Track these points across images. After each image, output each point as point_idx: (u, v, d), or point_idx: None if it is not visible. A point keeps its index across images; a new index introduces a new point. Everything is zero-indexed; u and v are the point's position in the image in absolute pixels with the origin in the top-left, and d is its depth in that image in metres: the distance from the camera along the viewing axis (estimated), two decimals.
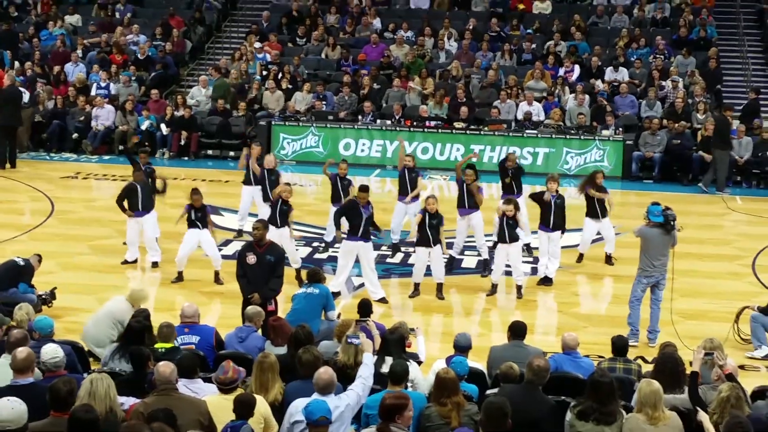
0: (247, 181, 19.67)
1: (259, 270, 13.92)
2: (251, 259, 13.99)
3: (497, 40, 31.93)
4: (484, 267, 18.23)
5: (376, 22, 33.26)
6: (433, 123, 27.59)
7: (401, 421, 8.58)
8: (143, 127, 28.44)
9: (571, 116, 28.04)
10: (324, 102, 29.04)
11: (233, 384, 9.27)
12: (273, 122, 28.21)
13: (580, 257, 19.06)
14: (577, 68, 30.14)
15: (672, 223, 14.38)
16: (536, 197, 17.74)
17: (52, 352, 9.40)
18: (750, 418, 8.76)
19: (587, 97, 28.46)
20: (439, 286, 16.87)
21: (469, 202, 18.05)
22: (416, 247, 16.95)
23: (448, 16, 33.31)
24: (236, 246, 18.13)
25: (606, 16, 33.23)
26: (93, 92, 29.98)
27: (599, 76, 29.89)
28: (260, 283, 13.83)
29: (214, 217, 18.20)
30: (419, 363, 11.29)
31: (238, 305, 14.14)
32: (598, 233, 18.85)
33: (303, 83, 29.75)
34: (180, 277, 17.36)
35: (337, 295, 16.15)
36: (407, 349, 11.33)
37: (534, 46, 31.61)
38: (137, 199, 17.85)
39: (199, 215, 17.19)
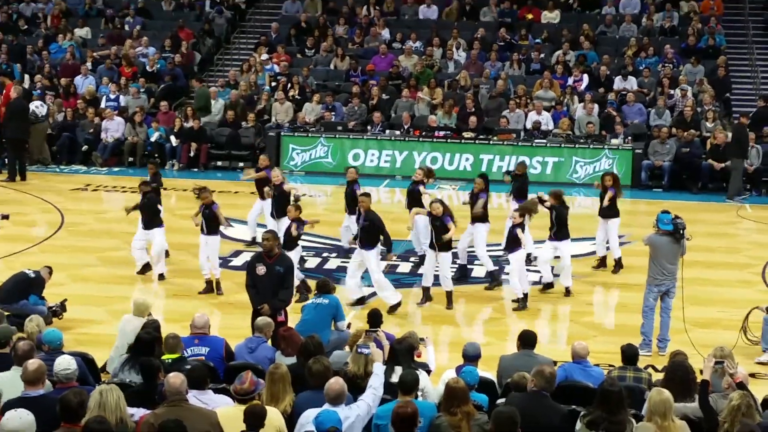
0: (261, 196, 19.72)
1: (268, 281, 13.90)
2: (261, 270, 13.98)
3: (506, 50, 31.96)
4: (492, 279, 18.18)
5: (385, 33, 33.31)
6: (442, 133, 27.63)
7: None
8: (152, 139, 28.51)
9: (580, 125, 28.04)
10: (333, 113, 29.09)
11: (250, 394, 9.25)
12: (282, 133, 28.26)
13: (601, 262, 19.05)
14: (585, 77, 30.15)
15: (681, 231, 14.37)
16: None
17: (65, 363, 9.40)
18: (761, 426, 8.74)
19: (596, 106, 28.46)
20: (448, 295, 16.83)
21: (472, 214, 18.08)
22: (427, 249, 17.02)
23: (456, 26, 33.36)
24: (246, 257, 18.14)
25: (614, 26, 33.24)
26: (102, 104, 30.07)
27: (608, 86, 29.88)
28: (269, 294, 13.81)
29: (223, 229, 18.19)
30: (428, 372, 11.28)
31: (247, 316, 14.13)
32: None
33: (312, 94, 29.81)
34: (209, 288, 17.33)
35: (362, 300, 16.34)
36: (417, 359, 11.32)
37: (543, 55, 31.63)
38: (145, 212, 17.95)
39: (206, 214, 17.15)
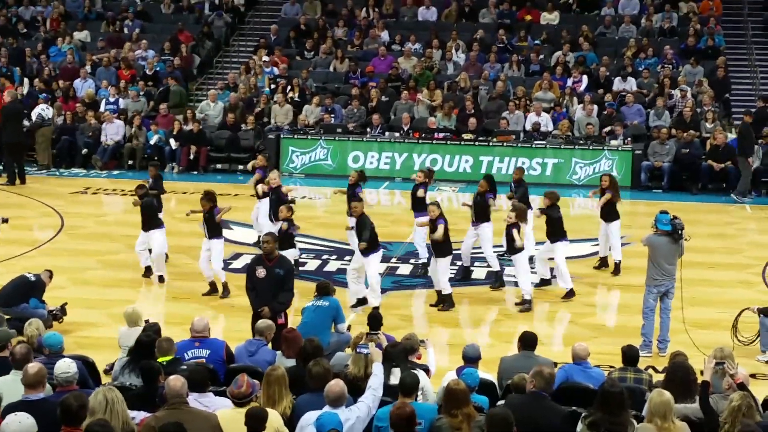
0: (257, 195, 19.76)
1: (268, 283, 13.92)
2: (261, 272, 13.99)
3: (505, 52, 31.97)
4: (495, 279, 18.21)
5: (384, 35, 33.32)
6: (441, 135, 27.64)
7: None
8: (152, 142, 28.52)
9: (579, 126, 28.05)
10: (332, 115, 29.10)
11: (247, 398, 9.26)
12: (282, 135, 28.27)
13: (602, 262, 19.09)
14: (585, 78, 30.16)
15: (680, 232, 14.38)
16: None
17: (65, 367, 9.41)
18: (761, 427, 8.73)
19: (595, 107, 28.48)
20: (438, 294, 16.82)
21: (476, 214, 18.07)
22: (431, 257, 17.08)
23: (455, 28, 33.36)
24: (246, 259, 18.14)
25: (614, 27, 33.26)
26: (102, 108, 30.06)
27: (607, 87, 29.88)
28: (269, 296, 13.83)
29: (225, 232, 18.20)
30: (428, 373, 11.27)
31: (247, 319, 14.15)
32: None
33: (311, 96, 29.82)
34: (213, 289, 17.34)
35: (362, 302, 16.33)
36: (417, 361, 11.33)
37: (542, 56, 31.64)
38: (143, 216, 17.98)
39: (207, 219, 17.14)
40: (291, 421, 9.41)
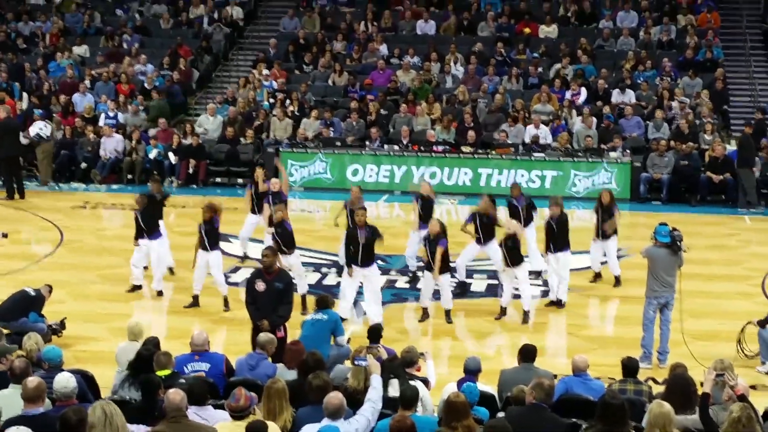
0: (252, 210, 19.73)
1: (267, 297, 13.91)
2: (260, 286, 13.99)
3: (504, 65, 32.01)
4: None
5: (383, 48, 33.36)
6: (440, 148, 27.65)
7: None
8: (151, 156, 28.52)
9: (578, 139, 28.07)
10: (331, 128, 29.13)
11: (245, 411, 9.25)
12: (281, 149, 28.28)
13: (596, 276, 19.07)
14: (584, 91, 30.19)
15: (679, 243, 14.40)
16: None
17: (64, 381, 9.40)
18: None
19: (594, 119, 28.50)
20: (447, 313, 16.87)
21: (484, 236, 18.03)
22: (425, 271, 16.99)
23: (454, 41, 33.38)
24: (245, 273, 18.14)
25: (612, 39, 33.29)
26: (101, 122, 30.07)
27: (606, 99, 29.92)
28: (269, 310, 13.82)
29: (222, 244, 18.20)
30: (427, 385, 11.27)
31: (247, 332, 14.16)
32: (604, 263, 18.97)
33: (310, 110, 29.84)
34: (195, 303, 17.35)
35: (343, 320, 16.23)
36: (417, 373, 11.33)
37: (540, 69, 31.68)
38: (139, 225, 17.93)
39: (207, 231, 17.15)
40: None
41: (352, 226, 16.86)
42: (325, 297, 14.03)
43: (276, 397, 9.63)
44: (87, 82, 31.93)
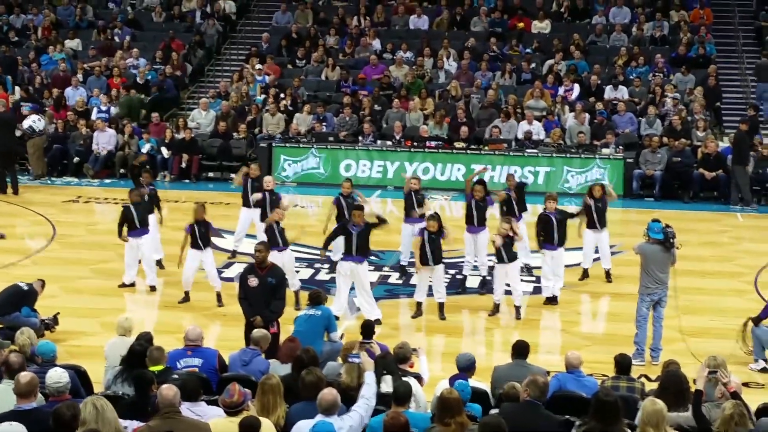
0: (246, 203, 19.72)
1: (260, 292, 13.92)
2: (253, 281, 13.99)
3: (496, 60, 32.01)
4: (483, 285, 18.27)
5: (376, 43, 33.34)
6: (433, 143, 27.64)
7: None
8: (144, 150, 28.47)
9: (571, 135, 28.09)
10: (324, 123, 29.10)
11: (239, 407, 9.24)
12: (273, 144, 28.25)
13: (585, 274, 19.08)
14: (576, 87, 30.19)
15: (671, 240, 14.41)
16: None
17: (56, 376, 9.39)
18: None
19: (587, 115, 28.51)
20: (440, 306, 16.86)
21: (478, 219, 18.09)
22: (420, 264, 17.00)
23: (447, 36, 33.39)
24: (238, 268, 18.12)
25: (605, 35, 33.31)
26: (93, 116, 30.02)
27: (599, 95, 29.92)
28: (262, 305, 13.83)
29: (215, 240, 18.18)
30: (420, 381, 11.26)
31: (240, 328, 14.15)
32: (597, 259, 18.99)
33: (303, 105, 29.81)
34: (186, 298, 17.35)
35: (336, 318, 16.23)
36: (410, 369, 11.32)
37: (533, 65, 31.68)
38: (133, 218, 17.88)
39: (202, 231, 17.15)
40: (284, 430, 9.40)
41: (342, 222, 16.79)
42: (317, 292, 14.03)
43: (270, 392, 9.62)
44: (79, 76, 31.87)
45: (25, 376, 9.17)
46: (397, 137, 27.98)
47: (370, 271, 17.22)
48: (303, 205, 25.28)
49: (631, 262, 16.52)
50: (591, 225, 18.73)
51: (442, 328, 16.50)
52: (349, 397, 9.93)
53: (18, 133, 27.66)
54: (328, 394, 9.24)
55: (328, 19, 35.03)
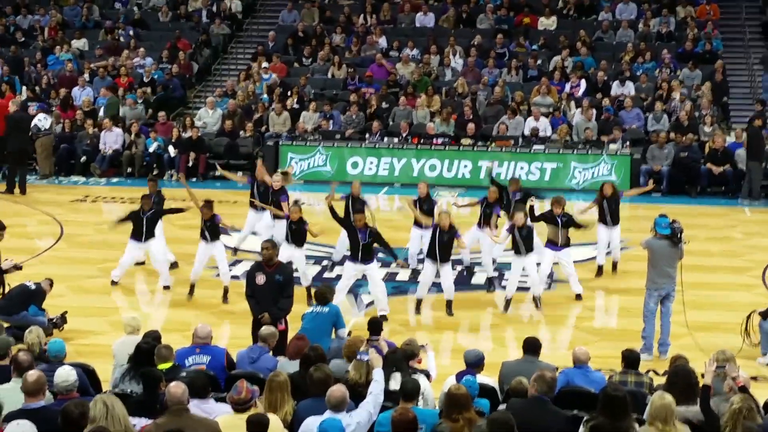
0: (252, 205, 19.76)
1: (268, 290, 13.92)
2: (260, 279, 13.99)
3: (503, 57, 31.99)
4: (490, 284, 18.27)
5: (382, 41, 33.33)
6: (440, 140, 27.63)
7: None
8: (151, 150, 28.50)
9: (578, 131, 28.06)
10: (331, 121, 29.11)
11: (247, 404, 9.25)
12: (280, 142, 28.26)
13: (599, 271, 19.05)
14: (583, 83, 30.16)
15: (679, 235, 14.41)
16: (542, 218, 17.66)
17: (64, 375, 9.41)
18: (762, 429, 8.72)
19: (594, 111, 28.48)
20: (449, 303, 16.87)
21: (484, 221, 18.12)
22: (425, 261, 17.00)
23: (453, 34, 33.35)
24: (245, 266, 18.13)
25: (611, 31, 33.27)
26: (100, 115, 30.04)
27: (605, 91, 29.89)
28: (269, 303, 13.83)
29: (223, 237, 18.21)
30: (428, 378, 11.27)
31: (247, 325, 14.16)
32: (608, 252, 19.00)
33: (309, 103, 29.81)
34: (191, 291, 17.36)
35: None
36: (417, 366, 11.32)
37: (540, 62, 31.65)
38: (140, 224, 17.90)
39: (209, 226, 17.17)
40: (292, 426, 9.41)
41: (352, 225, 16.78)
42: (324, 290, 14.02)
43: (278, 389, 9.63)
44: (86, 76, 31.90)
45: (32, 374, 9.19)
46: (404, 135, 27.97)
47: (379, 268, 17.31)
48: (310, 203, 25.26)
49: (639, 257, 16.51)
50: (603, 221, 18.74)
51: (449, 325, 16.51)
52: (358, 393, 9.93)
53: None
54: (337, 390, 9.25)
55: (334, 17, 35.02)
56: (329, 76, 32.18)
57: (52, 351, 11.01)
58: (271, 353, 11.91)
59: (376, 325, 12.43)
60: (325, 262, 19.59)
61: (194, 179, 27.91)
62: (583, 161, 26.91)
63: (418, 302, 17.00)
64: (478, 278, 18.77)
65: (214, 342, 12.19)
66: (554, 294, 17.95)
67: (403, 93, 30.12)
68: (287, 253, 16.67)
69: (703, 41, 31.80)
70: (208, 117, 29.98)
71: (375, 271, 16.59)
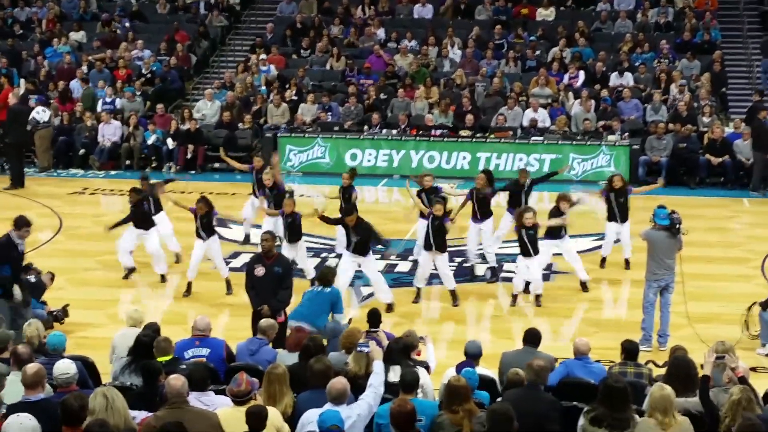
0: (254, 194, 19.82)
1: (267, 282, 13.94)
2: (260, 271, 14.01)
3: (501, 48, 31.95)
4: (492, 274, 18.28)
5: (380, 32, 33.29)
6: (438, 132, 27.61)
7: None
8: (149, 142, 28.48)
9: (576, 122, 28.04)
10: (329, 113, 29.08)
11: (247, 396, 9.26)
12: (279, 134, 28.23)
13: (603, 261, 19.06)
14: (581, 74, 30.13)
15: (678, 226, 14.41)
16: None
17: (64, 368, 9.41)
18: (762, 419, 8.73)
19: (593, 102, 28.46)
20: (452, 293, 16.90)
21: (480, 212, 18.10)
22: (422, 251, 17.03)
23: (451, 25, 33.30)
24: (245, 258, 18.13)
25: (610, 22, 33.23)
26: (99, 108, 30.02)
27: (604, 82, 29.86)
28: (269, 295, 13.84)
29: (221, 230, 18.22)
30: (428, 370, 11.27)
31: (247, 317, 14.16)
32: (617, 241, 18.96)
33: (308, 94, 29.78)
34: (188, 290, 17.38)
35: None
36: (417, 357, 11.33)
37: (538, 53, 31.61)
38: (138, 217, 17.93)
39: (204, 222, 17.17)
40: (292, 418, 9.42)
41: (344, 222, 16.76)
42: (327, 272, 14.08)
43: (277, 382, 9.64)
44: (84, 68, 31.86)
45: (32, 367, 9.19)
46: (403, 126, 27.93)
47: (377, 260, 17.29)
48: (309, 195, 25.26)
49: (639, 248, 16.53)
50: (612, 218, 18.63)
51: (449, 316, 16.52)
52: (358, 385, 9.94)
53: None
54: (338, 382, 9.26)
55: (332, 8, 34.97)
56: (328, 67, 32.14)
57: (52, 344, 11.02)
58: (270, 345, 11.91)
59: (375, 317, 12.43)
60: (324, 254, 19.58)
61: (193, 171, 27.92)
62: (581, 152, 26.89)
63: (418, 291, 17.01)
64: (479, 270, 18.74)
65: (213, 334, 12.19)
66: (554, 285, 17.95)
67: (401, 84, 30.08)
68: (290, 254, 16.80)
69: (702, 31, 31.76)
70: (206, 109, 29.94)
71: (372, 263, 16.57)
